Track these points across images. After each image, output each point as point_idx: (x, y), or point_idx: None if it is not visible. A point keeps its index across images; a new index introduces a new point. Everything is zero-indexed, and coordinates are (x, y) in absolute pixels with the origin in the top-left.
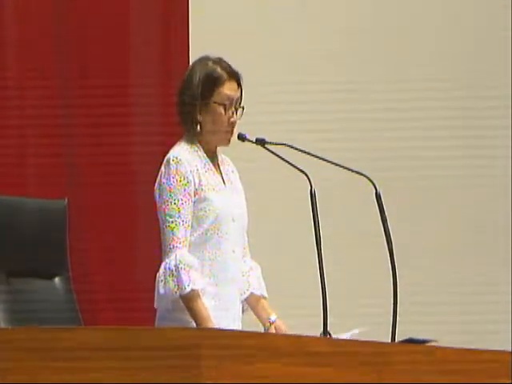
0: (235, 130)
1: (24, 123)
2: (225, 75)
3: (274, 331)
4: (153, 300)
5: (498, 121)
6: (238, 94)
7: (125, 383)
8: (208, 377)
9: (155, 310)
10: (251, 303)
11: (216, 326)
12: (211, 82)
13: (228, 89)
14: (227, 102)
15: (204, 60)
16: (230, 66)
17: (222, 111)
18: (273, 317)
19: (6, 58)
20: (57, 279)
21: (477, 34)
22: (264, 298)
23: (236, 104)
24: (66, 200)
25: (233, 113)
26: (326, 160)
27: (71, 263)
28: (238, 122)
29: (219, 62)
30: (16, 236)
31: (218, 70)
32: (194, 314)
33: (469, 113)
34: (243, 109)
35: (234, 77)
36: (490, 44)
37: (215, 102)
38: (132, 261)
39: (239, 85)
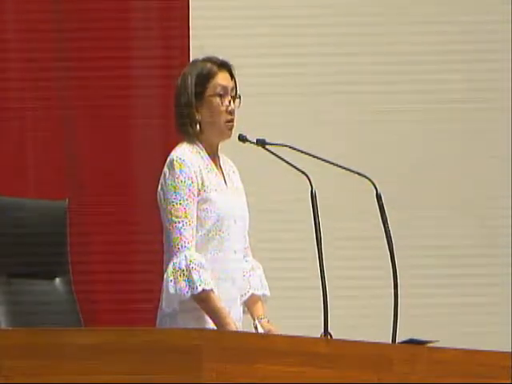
0: (235, 121)
1: (24, 123)
2: (215, 68)
3: (261, 330)
4: (153, 301)
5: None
6: (232, 84)
7: (125, 383)
8: (209, 378)
9: (156, 311)
10: (249, 304)
11: (235, 325)
12: (203, 78)
13: (220, 79)
14: (221, 92)
15: (194, 62)
16: (219, 59)
17: (219, 101)
18: (263, 318)
19: (7, 58)
20: (57, 280)
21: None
22: (265, 297)
23: (231, 93)
24: (67, 200)
25: (230, 101)
26: (326, 161)
27: (71, 264)
28: (236, 112)
29: (209, 58)
30: (16, 237)
31: (208, 65)
32: (212, 313)
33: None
34: (240, 98)
35: (225, 67)
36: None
37: (210, 95)
38: (132, 261)
39: (232, 75)
